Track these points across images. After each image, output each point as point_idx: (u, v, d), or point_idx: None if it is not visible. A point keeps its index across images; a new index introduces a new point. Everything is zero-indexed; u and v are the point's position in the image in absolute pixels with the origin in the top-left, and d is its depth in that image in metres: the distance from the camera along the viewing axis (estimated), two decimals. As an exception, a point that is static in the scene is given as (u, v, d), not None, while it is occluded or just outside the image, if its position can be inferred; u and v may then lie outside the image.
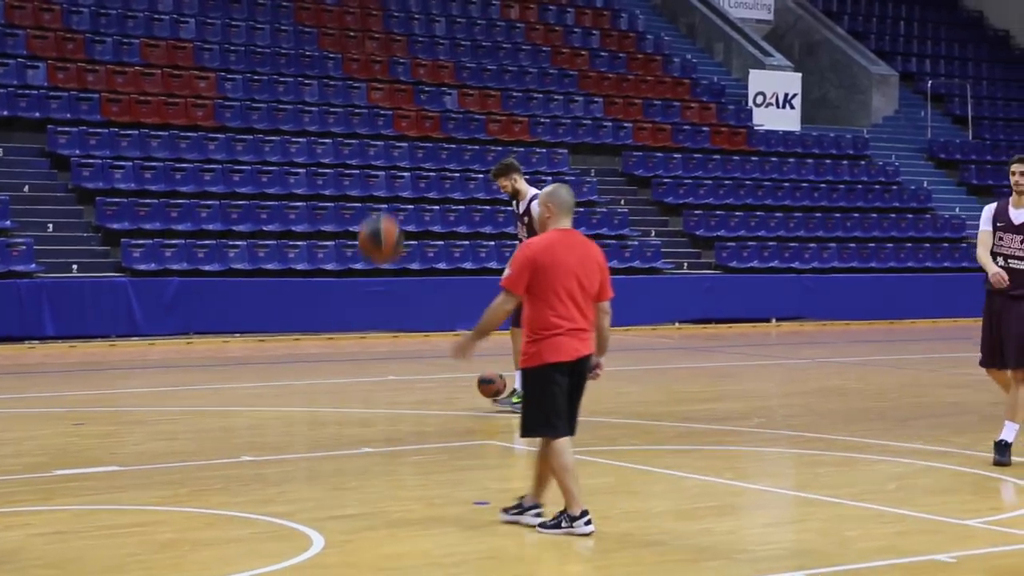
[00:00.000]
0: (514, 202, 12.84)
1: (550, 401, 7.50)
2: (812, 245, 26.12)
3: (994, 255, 9.92)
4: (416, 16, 27.97)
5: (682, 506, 8.46)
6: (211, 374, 16.15)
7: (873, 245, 26.79)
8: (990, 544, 7.47)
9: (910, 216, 28.20)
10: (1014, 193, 10.01)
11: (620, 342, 20.69)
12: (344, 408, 13.19)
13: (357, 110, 24.71)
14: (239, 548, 7.31)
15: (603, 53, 29.17)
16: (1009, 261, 9.88)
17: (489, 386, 12.38)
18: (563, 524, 7.55)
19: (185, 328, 19.64)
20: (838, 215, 27.33)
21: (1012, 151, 32.31)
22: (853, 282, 25.55)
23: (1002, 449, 9.72)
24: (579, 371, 7.58)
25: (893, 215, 28.01)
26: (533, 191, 12.68)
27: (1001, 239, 9.93)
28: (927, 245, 27.38)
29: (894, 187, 29.09)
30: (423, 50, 27.09)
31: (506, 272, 7.60)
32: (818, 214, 27.15)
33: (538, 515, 7.72)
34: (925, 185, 29.91)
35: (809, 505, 8.46)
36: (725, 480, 9.29)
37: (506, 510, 7.89)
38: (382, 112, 24.89)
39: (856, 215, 27.55)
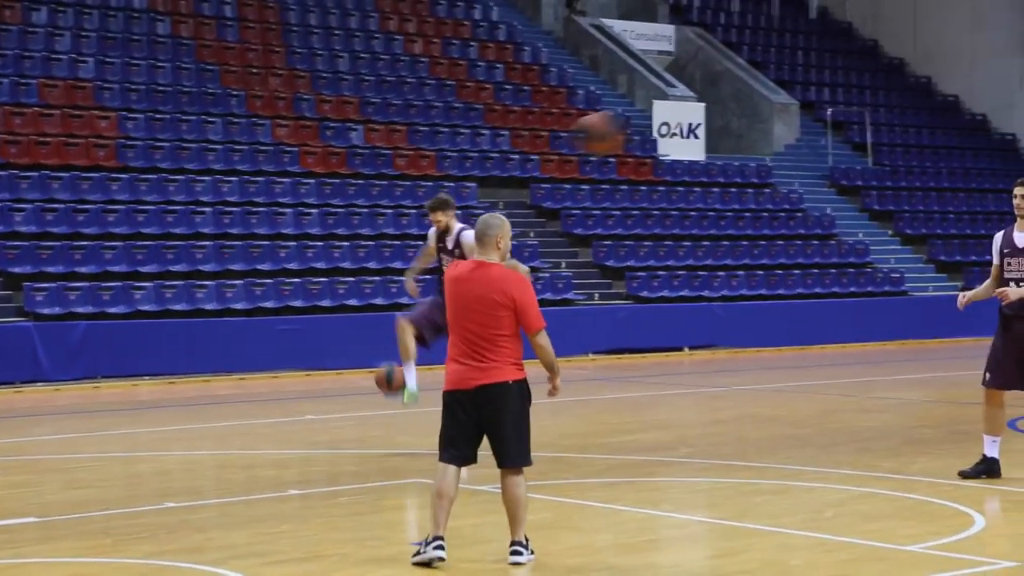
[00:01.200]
0: (440, 237, 12.44)
1: (444, 428, 7.72)
2: (721, 273, 26.27)
3: (1006, 281, 10.00)
4: (319, 52, 27.76)
5: (624, 540, 8.34)
6: (122, 418, 15.76)
7: (780, 272, 27.01)
8: (937, 570, 7.43)
9: (815, 243, 28.49)
10: (1018, 218, 10.07)
11: (537, 374, 20.59)
12: (266, 450, 12.90)
13: (262, 147, 24.43)
14: (174, 599, 7.05)
15: (508, 86, 29.18)
16: (1021, 284, 9.95)
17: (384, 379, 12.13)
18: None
19: (92, 372, 19.18)
20: (745, 243, 27.52)
21: (911, 176, 32.92)
22: (762, 309, 25.72)
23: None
24: (479, 401, 7.64)
25: (799, 242, 28.28)
26: (459, 225, 12.60)
27: (1010, 264, 10.03)
28: (833, 271, 27.67)
29: (799, 214, 29.38)
30: (327, 86, 26.88)
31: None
32: (725, 242, 27.32)
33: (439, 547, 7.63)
34: (829, 212, 30.25)
35: (751, 536, 8.37)
36: (663, 512, 9.18)
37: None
38: (287, 149, 24.62)
39: (763, 243, 27.77)
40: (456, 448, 7.61)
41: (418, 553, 7.55)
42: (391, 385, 12.13)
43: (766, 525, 8.63)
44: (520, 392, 7.64)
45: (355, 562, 7.80)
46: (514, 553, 7.59)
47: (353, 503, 9.70)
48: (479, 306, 7.50)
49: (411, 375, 12.13)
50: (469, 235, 12.36)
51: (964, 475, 10.12)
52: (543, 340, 7.68)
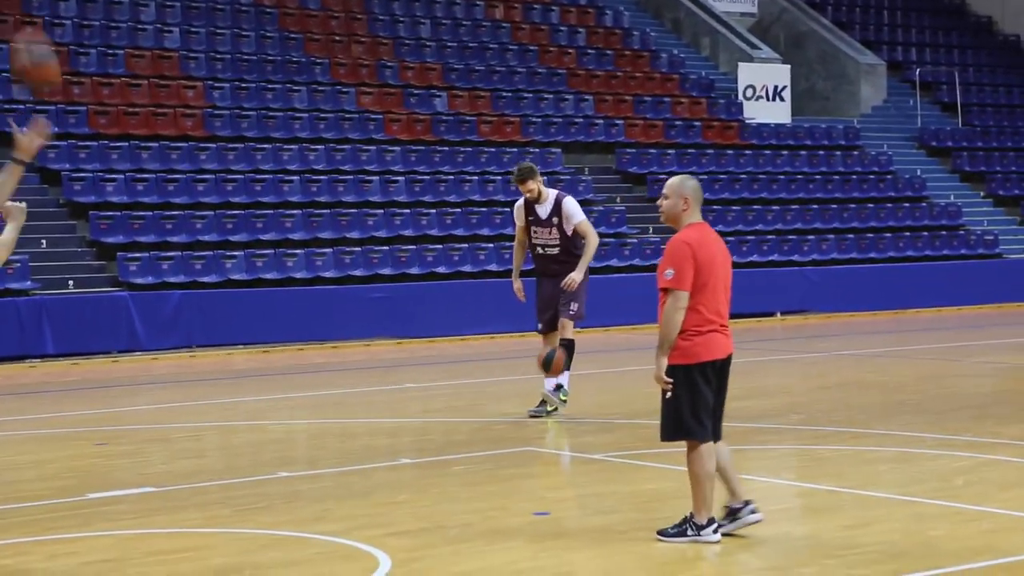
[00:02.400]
0: (530, 209, 12.22)
1: (703, 401, 7.11)
2: (811, 237, 25.88)
3: None
4: (401, 19, 27.61)
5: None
6: (219, 388, 15.75)
7: (871, 236, 26.57)
8: (1086, 539, 7.17)
9: (906, 205, 27.99)
10: None
11: (630, 341, 20.40)
12: (371, 418, 12.81)
13: (347, 115, 24.34)
14: (305, 571, 6.94)
15: (590, 51, 28.88)
16: None
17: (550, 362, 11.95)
18: (689, 532, 7.15)
19: (187, 342, 19.22)
20: (834, 206, 27.09)
21: (1003, 137, 32.25)
22: (854, 273, 25.31)
23: None
24: (726, 371, 7.24)
25: (889, 205, 27.80)
26: (553, 192, 12.40)
27: None
28: (925, 234, 27.18)
29: (888, 177, 28.88)
30: (410, 53, 26.73)
31: (667, 273, 7.04)
32: (814, 206, 26.91)
33: (753, 511, 7.25)
34: (919, 174, 29.71)
35: (882, 505, 8.15)
36: (786, 480, 8.98)
37: (718, 527, 7.21)
38: (372, 116, 24.52)
39: (852, 206, 27.33)
40: (712, 421, 7.17)
41: (685, 533, 7.12)
42: (549, 369, 11.90)
43: (896, 494, 8.39)
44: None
45: (480, 532, 7.66)
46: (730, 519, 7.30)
47: (467, 472, 9.57)
48: (725, 271, 7.20)
49: (564, 378, 12.06)
50: (571, 202, 12.16)
51: None
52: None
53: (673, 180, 7.29)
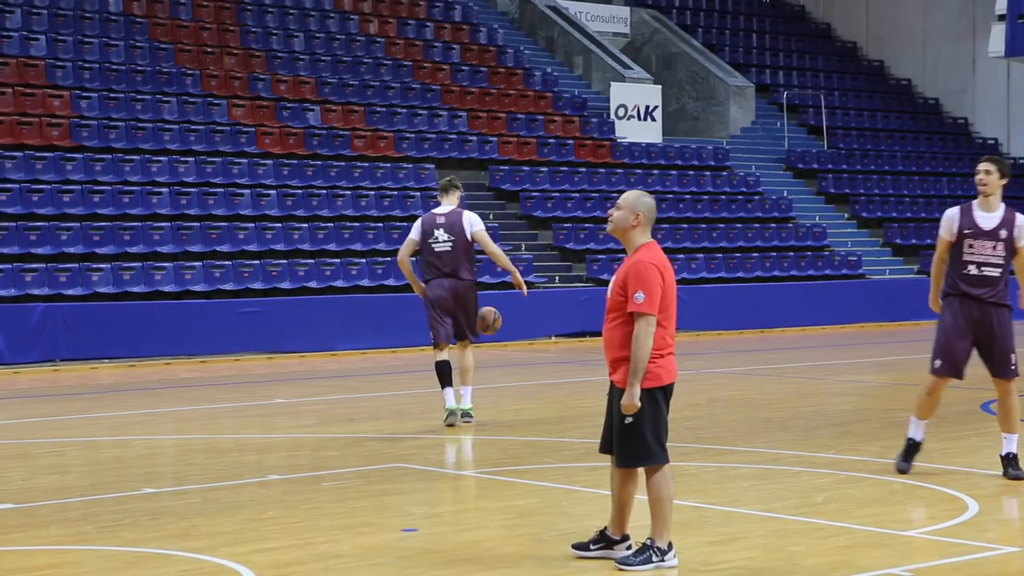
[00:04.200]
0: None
1: (663, 424, 7.06)
2: (680, 256, 26.24)
3: (965, 263, 9.39)
4: (274, 32, 27.44)
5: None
6: (84, 403, 15.48)
7: (739, 255, 27.03)
8: (940, 555, 7.37)
9: (773, 226, 28.54)
10: (980, 196, 9.47)
11: (500, 357, 20.49)
12: (241, 434, 12.69)
13: (219, 127, 24.12)
14: (169, 589, 6.87)
15: (464, 68, 28.98)
16: (983, 269, 9.37)
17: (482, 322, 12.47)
18: (654, 558, 7.00)
19: (51, 355, 18.87)
20: (703, 226, 27.52)
21: (866, 160, 33.03)
22: (722, 292, 25.72)
23: (1012, 462, 9.46)
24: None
25: (756, 225, 28.31)
26: (432, 211, 12.70)
27: (972, 246, 9.36)
28: (791, 254, 27.73)
29: (756, 197, 29.40)
30: (283, 66, 26.57)
31: (638, 296, 6.86)
32: (684, 225, 27.31)
33: (628, 547, 7.18)
34: (785, 195, 30.30)
35: (745, 521, 8.30)
36: (652, 497, 9.06)
37: (582, 546, 7.25)
38: (244, 129, 24.32)
39: (721, 225, 27.79)
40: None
41: (650, 560, 6.98)
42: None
43: (758, 510, 8.55)
44: None
45: (348, 549, 7.64)
46: (601, 547, 7.26)
47: (337, 488, 9.54)
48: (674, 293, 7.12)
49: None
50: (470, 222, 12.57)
51: (901, 471, 9.57)
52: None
53: (629, 194, 7.18)
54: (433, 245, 12.50)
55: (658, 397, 7.03)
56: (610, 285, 7.10)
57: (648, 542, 7.05)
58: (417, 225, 12.63)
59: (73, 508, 8.96)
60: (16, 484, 10.01)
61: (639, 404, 6.92)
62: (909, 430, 9.73)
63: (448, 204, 12.69)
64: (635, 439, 7.00)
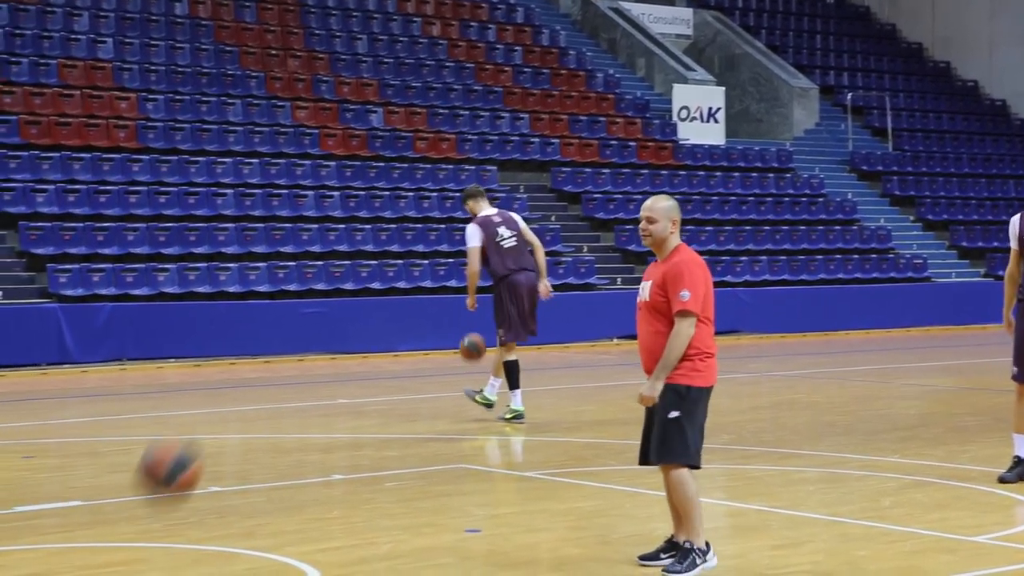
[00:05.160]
0: None
1: (702, 427, 6.95)
2: (743, 258, 26.12)
3: None
4: (338, 34, 27.59)
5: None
6: (150, 402, 15.63)
7: (803, 257, 26.86)
8: (1008, 562, 7.29)
9: (837, 228, 28.34)
10: None
11: (562, 359, 20.48)
12: (303, 434, 12.77)
13: (282, 129, 24.28)
14: (235, 587, 6.92)
15: (526, 69, 29.00)
16: None
17: (473, 353, 12.85)
18: (698, 562, 6.88)
19: (118, 355, 19.08)
20: (767, 228, 27.38)
21: (932, 162, 32.72)
22: (785, 294, 25.57)
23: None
24: None
25: (820, 227, 28.13)
26: (483, 213, 12.90)
27: None
28: (855, 256, 27.52)
29: (819, 199, 29.21)
30: (346, 68, 26.71)
31: (684, 295, 6.75)
32: (747, 227, 27.18)
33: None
34: (850, 197, 30.08)
35: (810, 525, 8.24)
36: (716, 500, 9.05)
37: (651, 556, 7.07)
38: (308, 131, 24.47)
39: (784, 228, 27.63)
40: None
41: (695, 564, 6.86)
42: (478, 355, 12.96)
43: (823, 514, 8.50)
44: None
45: (411, 549, 7.66)
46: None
47: (400, 489, 9.57)
48: None
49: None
50: (469, 227, 12.74)
51: (1003, 480, 9.36)
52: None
53: (656, 202, 6.97)
54: (502, 243, 12.85)
55: (704, 397, 6.94)
56: (644, 289, 6.94)
57: (687, 545, 6.92)
58: (476, 231, 12.75)
59: (139, 506, 9.02)
60: (85, 481, 10.13)
61: (657, 398, 6.80)
62: (1014, 447, 9.47)
63: (488, 207, 13.10)
64: (677, 435, 6.87)
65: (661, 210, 6.91)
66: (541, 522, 8.46)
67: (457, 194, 24.60)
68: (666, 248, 6.95)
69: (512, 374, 12.83)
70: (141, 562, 7.41)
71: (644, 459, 7.07)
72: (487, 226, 12.80)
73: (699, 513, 6.93)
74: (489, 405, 13.00)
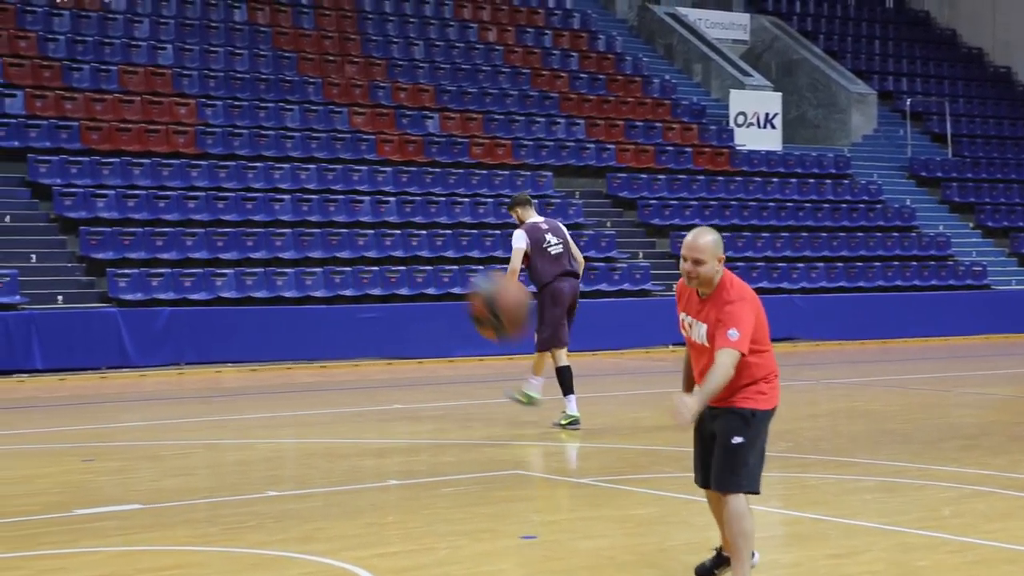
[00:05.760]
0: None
1: (763, 452, 6.66)
2: (800, 265, 25.97)
3: None
4: (395, 40, 27.71)
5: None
6: (208, 405, 15.75)
7: (860, 264, 26.68)
8: (1071, 572, 7.20)
9: (895, 235, 28.12)
10: None
11: (617, 366, 20.44)
12: (359, 439, 12.82)
13: (339, 135, 24.40)
14: (293, 591, 6.96)
15: (582, 75, 28.99)
16: None
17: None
18: None
19: (177, 359, 19.23)
20: (824, 234, 27.21)
21: (992, 168, 32.41)
22: (842, 301, 25.40)
23: None
24: None
25: (879, 234, 27.92)
26: (531, 220, 13.00)
27: None
28: (914, 263, 27.30)
29: (878, 206, 29.00)
30: (403, 74, 26.81)
31: (734, 335, 6.34)
32: (804, 234, 27.02)
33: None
34: (908, 203, 29.85)
35: (868, 534, 8.18)
36: (772, 508, 9.00)
37: (706, 571, 6.89)
38: (364, 136, 24.58)
39: (842, 234, 27.45)
40: None
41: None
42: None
43: (882, 523, 8.42)
44: None
45: (468, 555, 7.68)
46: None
47: (456, 494, 9.59)
48: None
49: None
50: (517, 232, 12.77)
51: None
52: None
53: (702, 239, 6.46)
54: (549, 250, 12.95)
55: (767, 420, 6.62)
56: (696, 331, 6.55)
57: None
58: (522, 235, 12.85)
59: (199, 509, 9.12)
60: (145, 485, 10.21)
61: (692, 420, 6.38)
62: None
63: (535, 215, 13.22)
64: (741, 462, 6.53)
65: (708, 250, 6.43)
66: (597, 529, 8.44)
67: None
68: (712, 284, 6.53)
69: (565, 380, 12.84)
70: (200, 566, 7.47)
71: (704, 479, 6.75)
72: (534, 232, 12.93)
73: (747, 552, 6.55)
74: (531, 403, 13.07)
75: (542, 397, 13.16)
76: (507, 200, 24.33)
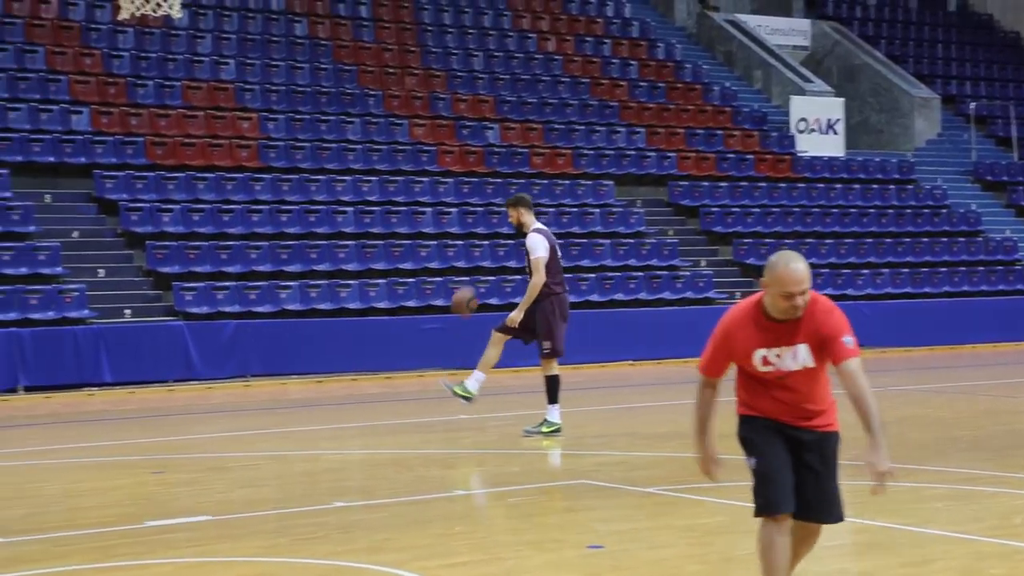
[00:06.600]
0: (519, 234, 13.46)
1: None
2: (865, 271, 25.78)
3: None
4: (454, 52, 27.81)
5: (808, 545, 8.08)
6: (274, 417, 15.86)
7: (926, 270, 26.44)
8: None
9: (961, 240, 27.86)
10: None
11: (682, 374, 20.34)
12: (425, 449, 12.86)
13: (400, 147, 24.52)
14: (363, 602, 6.99)
15: (642, 83, 28.96)
16: None
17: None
18: None
19: (243, 371, 19.39)
20: (888, 240, 27.00)
21: (1059, 171, 32.00)
22: (909, 308, 25.18)
23: None
24: None
25: (944, 239, 27.67)
26: (537, 225, 12.89)
27: None
28: (980, 269, 27.02)
29: (943, 211, 28.74)
30: (463, 85, 26.90)
31: (850, 341, 5.91)
32: (868, 240, 26.82)
33: None
34: (974, 208, 29.55)
35: (939, 543, 8.10)
36: (842, 516, 8.92)
37: None
38: (425, 148, 24.68)
39: (907, 240, 27.23)
40: None
41: None
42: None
43: (954, 532, 8.34)
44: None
45: (536, 565, 7.67)
46: None
47: (522, 504, 9.59)
48: None
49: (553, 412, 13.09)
50: (533, 237, 12.65)
51: None
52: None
53: (804, 269, 5.81)
54: (560, 260, 13.07)
55: None
56: (795, 355, 5.94)
57: None
58: (544, 242, 12.80)
59: (267, 521, 9.18)
60: (214, 496, 10.29)
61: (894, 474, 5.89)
62: None
63: (535, 220, 13.12)
64: (837, 491, 6.23)
65: (805, 279, 5.81)
66: (664, 538, 8.41)
67: (573, 210, 24.64)
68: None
69: (553, 388, 12.87)
70: (270, 576, 7.52)
71: (791, 505, 6.14)
72: (549, 238, 12.89)
73: None
74: (468, 398, 13.09)
75: (476, 392, 13.13)
76: (569, 210, 24.41)
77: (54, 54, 23.39)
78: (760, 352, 5.99)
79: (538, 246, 12.71)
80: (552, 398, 12.93)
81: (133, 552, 8.18)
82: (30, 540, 8.53)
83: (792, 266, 5.78)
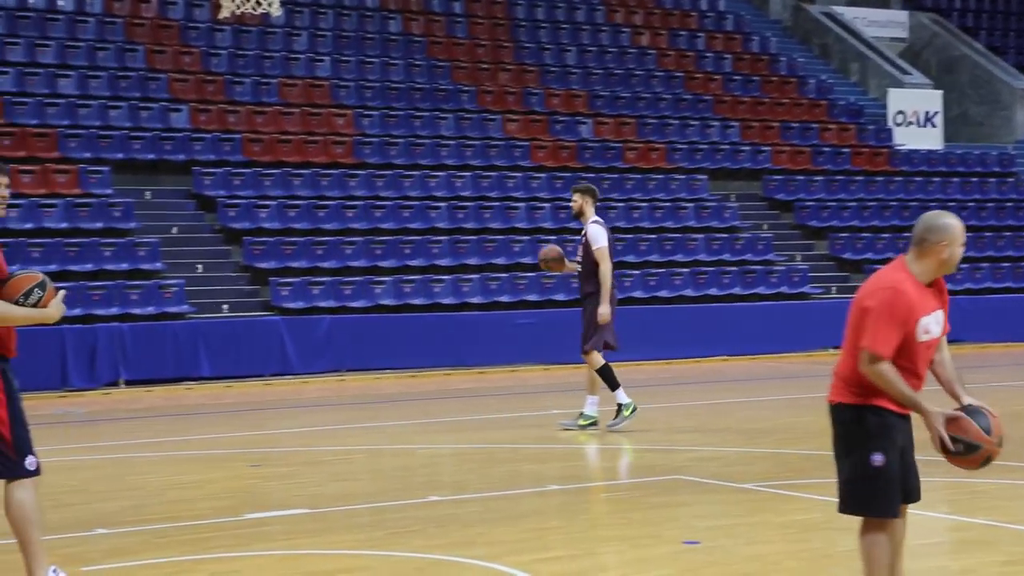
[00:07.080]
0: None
1: None
2: (964, 266, 25.34)
3: None
4: (547, 47, 27.79)
5: (906, 542, 7.98)
6: (367, 411, 15.98)
7: (1027, 264, 26.00)
8: None
9: (1063, 233, 27.34)
10: None
11: (776, 370, 20.20)
12: (518, 444, 12.88)
13: (494, 142, 24.57)
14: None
15: (736, 77, 28.74)
16: None
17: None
18: None
19: (338, 366, 19.55)
20: (988, 234, 26.56)
21: None
22: (1010, 303, 24.75)
23: None
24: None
25: (1045, 233, 27.18)
26: (595, 217, 13.13)
27: None
28: (1085, 262, 26.51)
29: (1044, 204, 28.23)
30: (556, 80, 26.88)
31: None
32: (968, 234, 26.29)
33: None
34: (1076, 201, 28.98)
35: (1042, 540, 7.96)
36: (940, 514, 8.82)
37: None
38: (519, 143, 24.71)
39: (1007, 234, 26.77)
40: None
41: None
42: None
43: (1056, 530, 8.20)
44: (839, 418, 6.10)
45: (631, 560, 7.66)
46: None
47: (617, 499, 9.58)
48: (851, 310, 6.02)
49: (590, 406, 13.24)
50: (594, 227, 12.62)
51: None
52: (865, 367, 5.79)
53: (957, 224, 5.91)
54: (613, 255, 13.12)
55: None
56: (934, 322, 5.95)
57: None
58: (604, 231, 12.90)
59: (362, 514, 9.25)
60: (309, 490, 10.39)
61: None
62: None
63: (595, 212, 13.17)
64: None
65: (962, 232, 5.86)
66: (761, 535, 8.36)
67: (667, 204, 24.53)
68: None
69: (600, 381, 12.86)
70: (364, 570, 7.57)
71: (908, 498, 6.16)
72: (608, 231, 13.00)
73: None
74: (594, 423, 13.06)
75: (598, 414, 13.13)
76: (663, 204, 24.29)
77: (153, 53, 23.74)
78: (924, 319, 5.84)
79: (599, 236, 12.85)
80: (596, 390, 12.92)
81: (230, 544, 8.29)
82: (131, 532, 8.68)
83: (955, 223, 5.87)
